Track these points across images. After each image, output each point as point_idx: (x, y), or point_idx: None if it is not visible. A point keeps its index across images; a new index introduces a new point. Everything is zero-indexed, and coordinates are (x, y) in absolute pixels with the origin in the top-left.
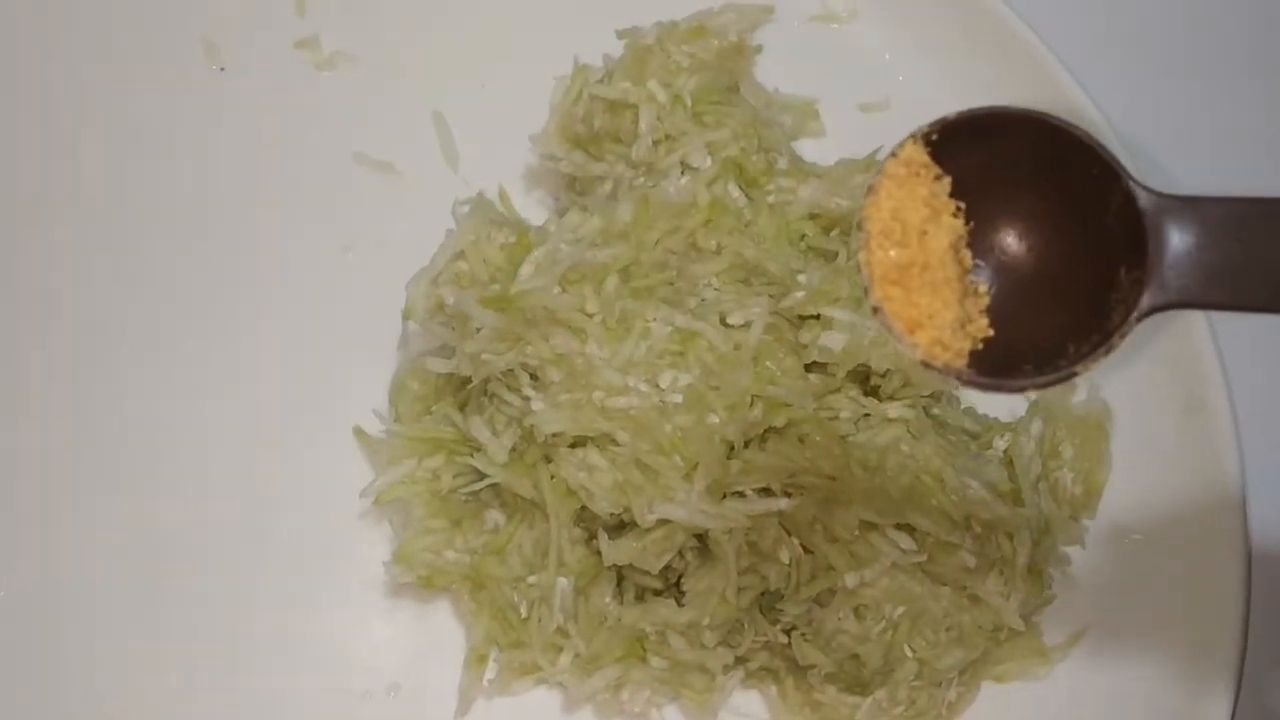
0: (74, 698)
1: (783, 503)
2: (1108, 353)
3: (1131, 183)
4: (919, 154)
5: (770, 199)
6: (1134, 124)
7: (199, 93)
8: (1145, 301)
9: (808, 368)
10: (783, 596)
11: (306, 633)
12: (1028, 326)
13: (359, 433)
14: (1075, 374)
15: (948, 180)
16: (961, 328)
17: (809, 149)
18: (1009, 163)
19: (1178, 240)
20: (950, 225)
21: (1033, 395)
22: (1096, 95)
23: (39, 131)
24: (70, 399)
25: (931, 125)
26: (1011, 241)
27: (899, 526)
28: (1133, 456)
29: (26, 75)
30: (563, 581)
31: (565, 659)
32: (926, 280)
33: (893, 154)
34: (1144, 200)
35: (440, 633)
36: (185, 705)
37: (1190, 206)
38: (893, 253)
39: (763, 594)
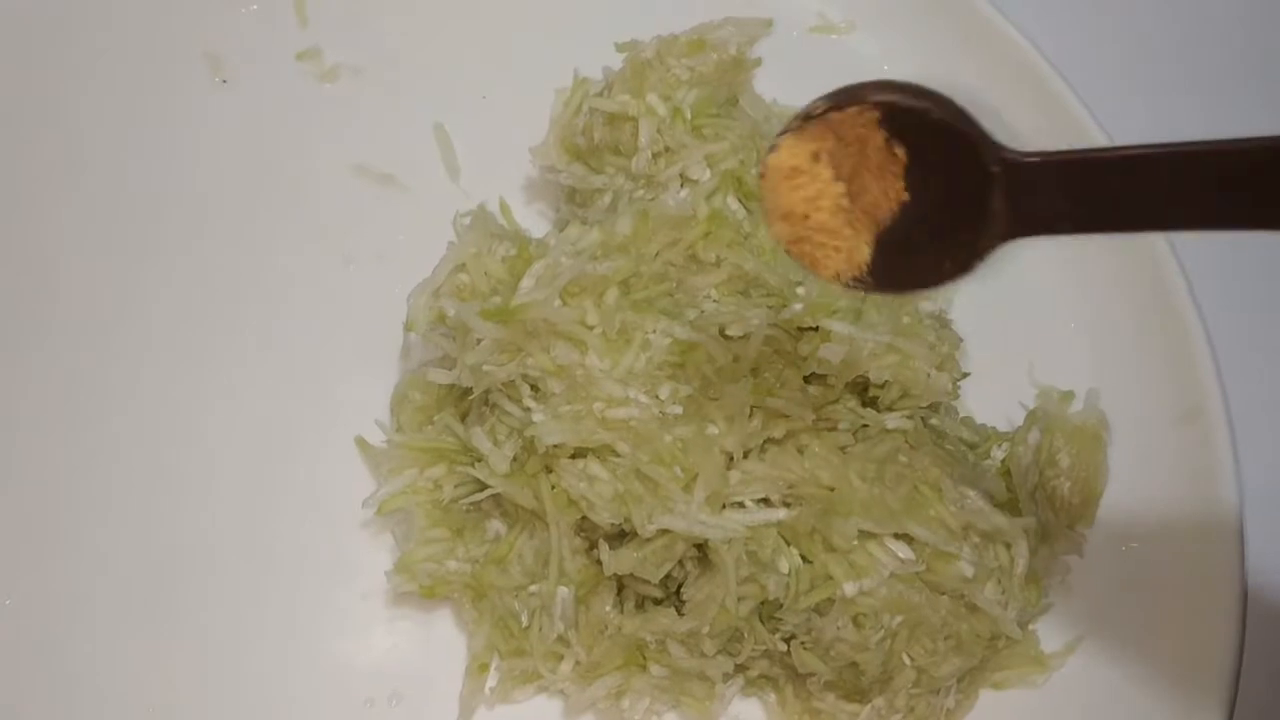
0: (78, 706)
1: (782, 513)
2: (968, 271)
3: (988, 148)
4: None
5: None
6: (1132, 137)
7: (201, 105)
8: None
9: (806, 379)
10: (782, 605)
11: (309, 642)
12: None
13: (361, 443)
14: (944, 283)
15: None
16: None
17: None
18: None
19: (1027, 195)
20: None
21: (1029, 404)
22: (1095, 106)
23: (41, 144)
24: (72, 411)
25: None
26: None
27: (897, 536)
28: (1129, 466)
29: (29, 87)
30: (563, 590)
31: (566, 667)
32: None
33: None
34: (995, 164)
35: (442, 641)
36: (188, 713)
37: (1047, 157)
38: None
39: (762, 603)
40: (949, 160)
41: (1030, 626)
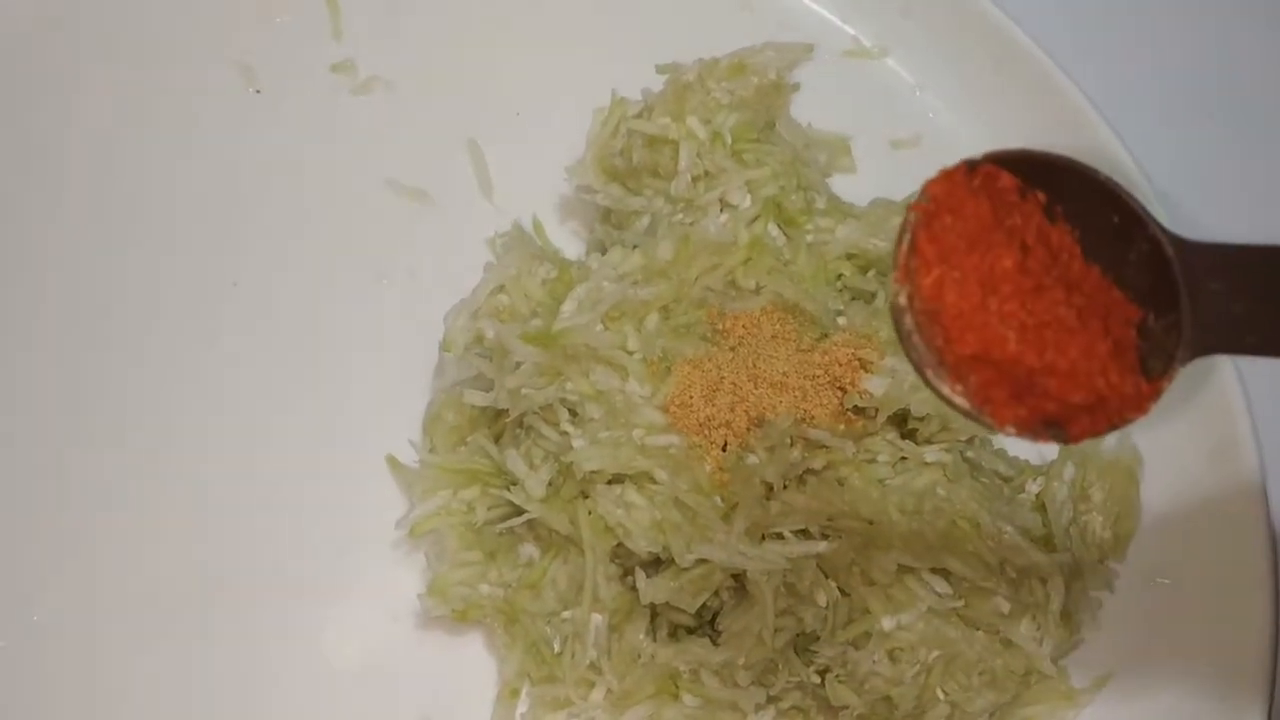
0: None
1: (821, 545)
2: (1157, 398)
3: (1157, 229)
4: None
5: (809, 238)
6: (1162, 166)
7: (235, 115)
8: (1185, 348)
9: (847, 411)
10: (818, 638)
11: (339, 663)
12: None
13: (392, 462)
14: (1129, 419)
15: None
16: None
17: (841, 185)
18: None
19: (1210, 285)
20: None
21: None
22: (1125, 135)
23: (73, 153)
24: (102, 426)
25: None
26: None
27: (935, 571)
28: (1161, 501)
29: (62, 94)
30: (597, 618)
31: (598, 695)
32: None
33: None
34: (1171, 246)
35: (473, 665)
36: None
37: (1218, 252)
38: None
39: (798, 635)
40: (1117, 243)
41: (1061, 662)
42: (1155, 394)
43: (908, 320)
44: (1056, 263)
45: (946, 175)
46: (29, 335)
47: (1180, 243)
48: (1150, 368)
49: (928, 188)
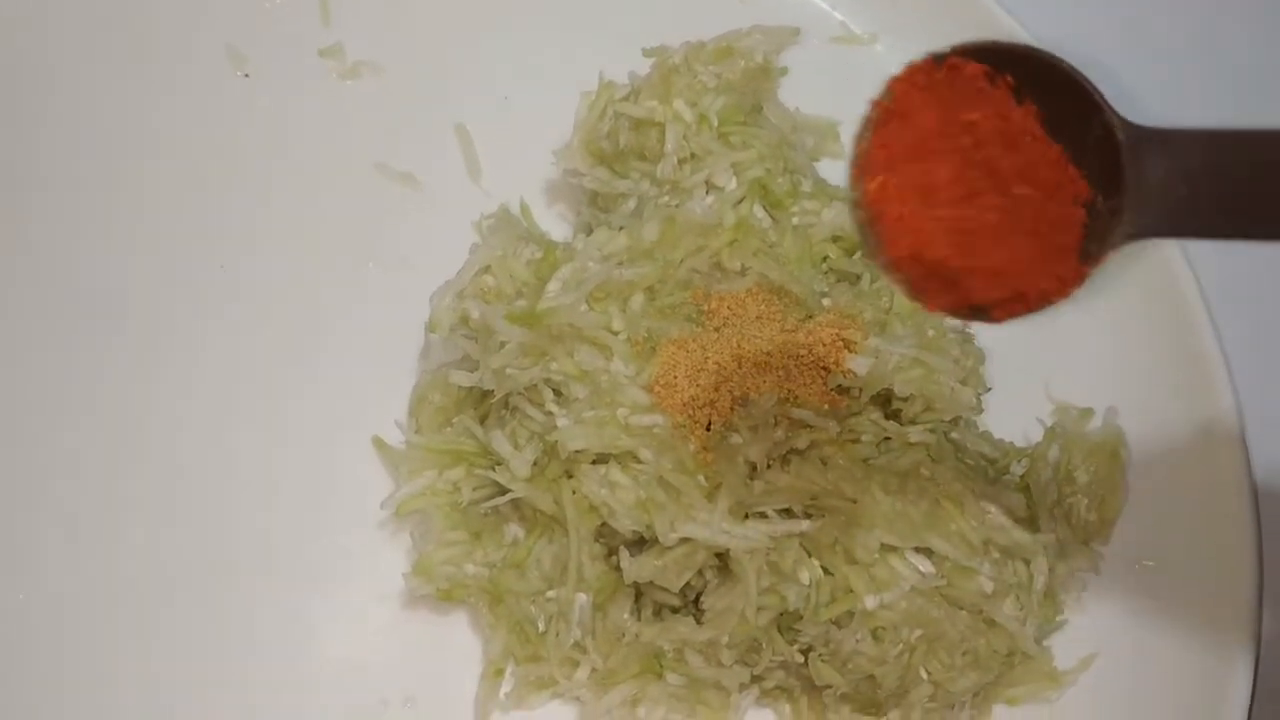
0: (89, 708)
1: (804, 524)
2: (1082, 283)
3: (1111, 114)
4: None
5: (794, 221)
6: None
7: (222, 98)
8: (1120, 231)
9: (831, 390)
10: (801, 617)
11: (324, 643)
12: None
13: (379, 443)
14: (1052, 304)
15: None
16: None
17: (828, 169)
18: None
19: (1153, 171)
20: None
21: (1047, 420)
22: None
23: (60, 136)
24: (89, 409)
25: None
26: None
27: (918, 550)
28: (1146, 484)
29: (49, 76)
30: (581, 597)
31: (582, 674)
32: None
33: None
34: (1121, 132)
35: (457, 645)
36: (201, 712)
37: (1165, 138)
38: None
39: (781, 614)
40: (1075, 127)
41: (1045, 642)
42: (1080, 279)
43: (860, 215)
44: (1015, 148)
45: (911, 71)
46: (2, 316)
47: (1131, 128)
48: (1088, 251)
49: (891, 84)
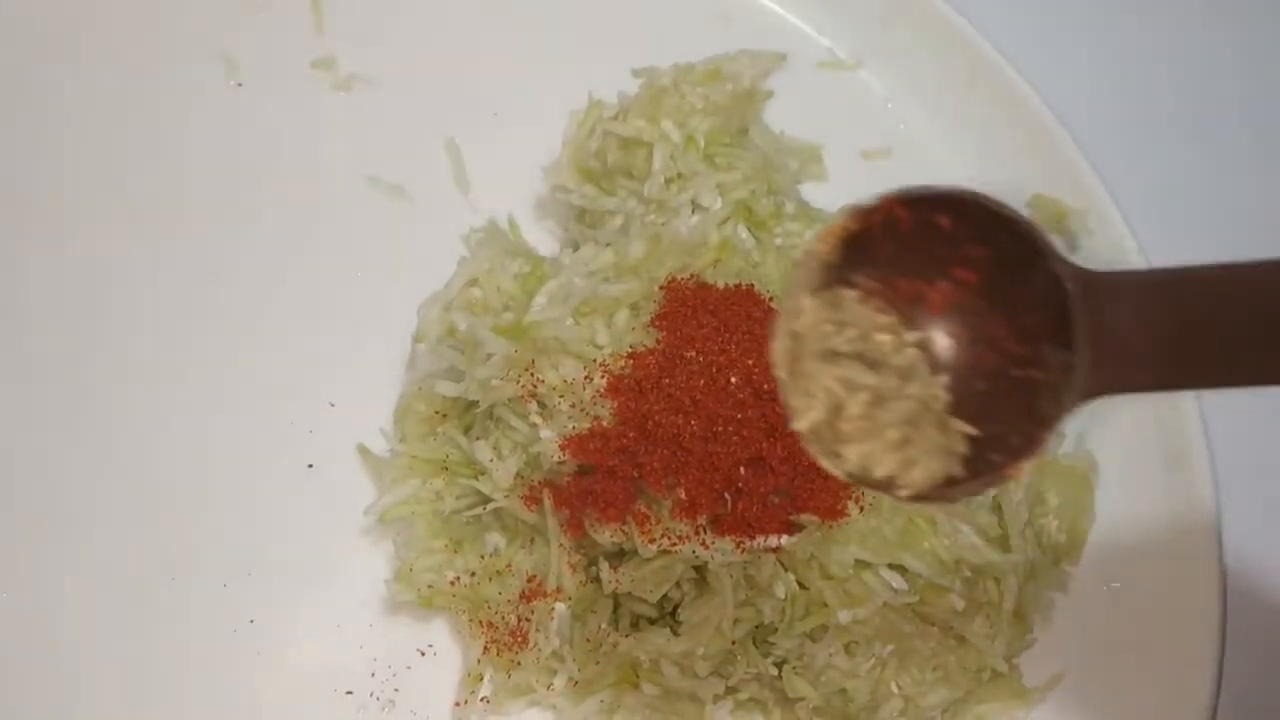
0: (71, 708)
1: (781, 539)
2: (1036, 451)
3: (1056, 261)
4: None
5: (777, 241)
6: (1133, 182)
7: (215, 108)
8: (1074, 392)
9: None
10: (776, 630)
11: (305, 645)
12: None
13: (363, 451)
14: (1007, 477)
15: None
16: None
17: (812, 192)
18: (929, 254)
19: (1109, 321)
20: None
21: None
22: (1093, 151)
23: (53, 143)
24: (76, 413)
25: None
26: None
27: (892, 566)
28: (1115, 507)
29: (44, 85)
30: (560, 607)
31: (559, 682)
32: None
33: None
34: (1069, 281)
35: (437, 650)
36: (184, 714)
37: (1118, 283)
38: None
39: (757, 626)
40: (1018, 279)
41: (1014, 660)
42: (1035, 446)
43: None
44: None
45: (824, 237)
46: None
47: (1080, 275)
48: (1039, 409)
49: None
